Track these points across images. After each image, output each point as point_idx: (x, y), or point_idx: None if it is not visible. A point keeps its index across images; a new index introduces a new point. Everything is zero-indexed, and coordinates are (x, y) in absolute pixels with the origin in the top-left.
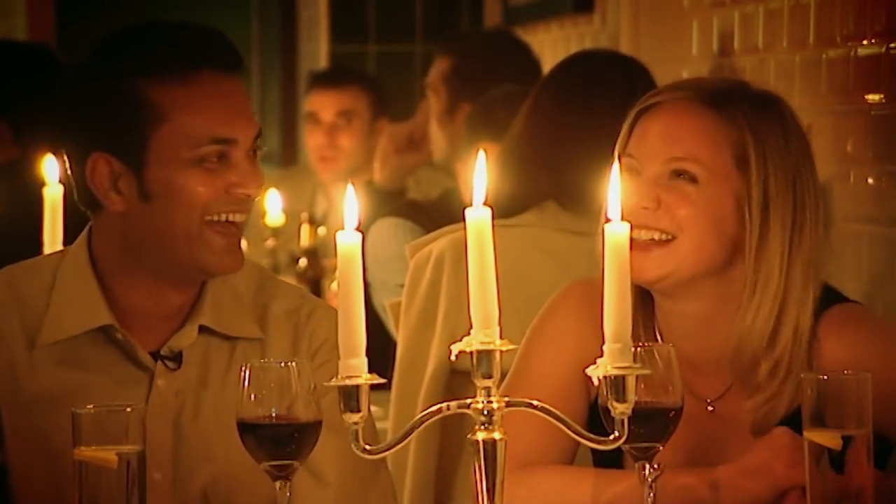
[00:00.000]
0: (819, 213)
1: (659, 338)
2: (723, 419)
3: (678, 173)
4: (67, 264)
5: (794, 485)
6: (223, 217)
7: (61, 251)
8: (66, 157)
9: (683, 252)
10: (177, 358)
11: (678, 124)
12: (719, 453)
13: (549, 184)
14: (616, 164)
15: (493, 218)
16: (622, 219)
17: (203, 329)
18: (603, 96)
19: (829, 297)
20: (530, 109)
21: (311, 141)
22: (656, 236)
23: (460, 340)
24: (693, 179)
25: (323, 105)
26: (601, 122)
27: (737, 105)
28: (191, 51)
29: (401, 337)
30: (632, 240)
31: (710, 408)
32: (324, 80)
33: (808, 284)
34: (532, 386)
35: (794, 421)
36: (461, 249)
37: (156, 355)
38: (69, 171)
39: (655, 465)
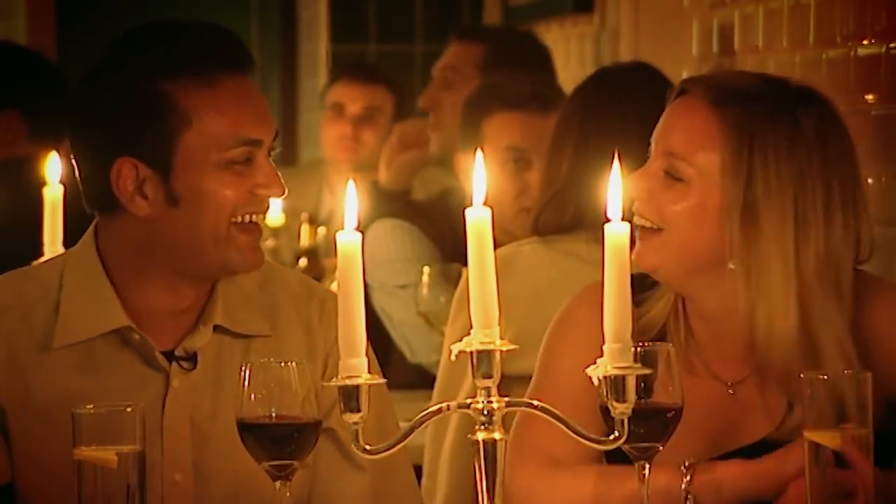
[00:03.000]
0: (833, 223)
1: (682, 323)
2: (742, 403)
3: (669, 171)
4: (74, 266)
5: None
6: (248, 218)
7: (62, 255)
8: (79, 160)
9: (670, 247)
10: (191, 358)
11: (682, 121)
12: (735, 432)
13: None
14: (616, 163)
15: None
16: (622, 217)
17: (218, 328)
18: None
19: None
20: (578, 134)
21: (334, 131)
22: (647, 224)
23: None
24: (680, 177)
25: (351, 97)
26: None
27: (737, 107)
28: (213, 52)
29: (445, 345)
30: (632, 229)
31: (730, 391)
32: (354, 73)
33: (829, 295)
34: (557, 386)
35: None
36: (508, 265)
37: (169, 356)
38: (80, 173)
39: (686, 464)
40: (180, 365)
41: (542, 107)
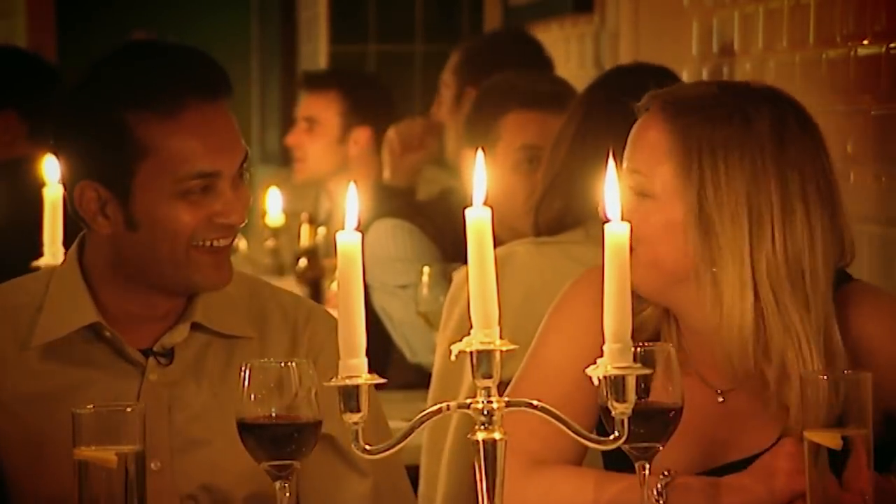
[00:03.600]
0: (792, 220)
1: (674, 328)
2: (732, 411)
3: (634, 188)
4: (59, 275)
5: (795, 492)
6: (208, 243)
7: (53, 268)
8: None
9: (644, 264)
10: (168, 354)
11: (642, 138)
12: (727, 444)
13: (592, 204)
14: (612, 164)
15: (535, 232)
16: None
17: (198, 327)
18: None
19: (836, 279)
20: (576, 129)
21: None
22: None
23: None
24: (647, 194)
25: (298, 108)
26: None
27: (688, 117)
28: (175, 82)
29: (438, 351)
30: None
31: (720, 398)
32: (301, 83)
33: (784, 292)
34: (546, 377)
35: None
36: (501, 266)
37: (148, 353)
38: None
39: (666, 472)
40: (157, 360)
41: (559, 106)
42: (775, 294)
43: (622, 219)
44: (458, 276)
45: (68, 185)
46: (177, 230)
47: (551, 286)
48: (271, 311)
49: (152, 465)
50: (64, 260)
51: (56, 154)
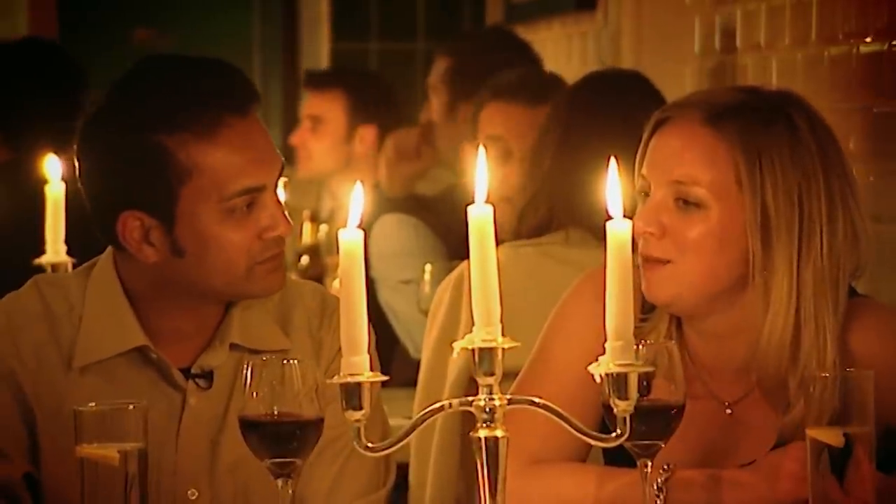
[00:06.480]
0: (836, 223)
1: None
2: (740, 423)
3: (682, 199)
4: (96, 286)
5: (799, 498)
6: (264, 258)
7: (84, 271)
8: (89, 204)
9: (688, 277)
10: (208, 376)
11: (682, 146)
12: (734, 456)
13: (578, 210)
14: (613, 163)
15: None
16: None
17: (235, 346)
18: (632, 124)
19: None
20: (560, 138)
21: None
22: (658, 257)
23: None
24: (697, 205)
25: (303, 106)
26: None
27: (735, 122)
28: (210, 101)
29: (423, 356)
30: (643, 260)
31: (728, 410)
32: (306, 81)
33: (823, 297)
34: (552, 375)
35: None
36: None
37: (186, 373)
38: (91, 214)
39: (666, 466)
40: (196, 383)
41: (527, 98)
42: (816, 300)
43: (660, 234)
44: (441, 284)
45: (108, 218)
46: (230, 252)
47: (533, 289)
48: (297, 317)
49: (189, 493)
50: (97, 271)
51: (89, 193)
